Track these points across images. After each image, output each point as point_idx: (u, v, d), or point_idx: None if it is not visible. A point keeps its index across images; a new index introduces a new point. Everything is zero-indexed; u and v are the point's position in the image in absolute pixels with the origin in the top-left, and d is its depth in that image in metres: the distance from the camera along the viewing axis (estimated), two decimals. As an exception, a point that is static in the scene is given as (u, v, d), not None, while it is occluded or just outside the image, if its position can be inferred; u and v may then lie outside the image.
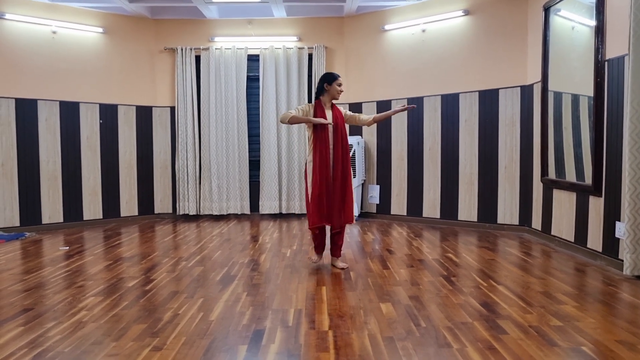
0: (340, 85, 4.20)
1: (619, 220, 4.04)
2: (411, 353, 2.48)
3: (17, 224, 6.24)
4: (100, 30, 6.78)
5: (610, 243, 4.19)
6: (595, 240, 4.43)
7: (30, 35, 6.30)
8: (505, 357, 2.42)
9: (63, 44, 6.55)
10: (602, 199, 4.30)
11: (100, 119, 6.85)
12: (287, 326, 2.88)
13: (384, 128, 6.94)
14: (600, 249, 4.34)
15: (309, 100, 7.24)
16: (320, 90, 4.23)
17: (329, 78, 4.20)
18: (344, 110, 4.35)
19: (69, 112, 6.59)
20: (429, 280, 3.84)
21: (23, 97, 6.25)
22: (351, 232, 6.01)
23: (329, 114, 4.18)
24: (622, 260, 3.91)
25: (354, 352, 2.50)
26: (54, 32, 6.45)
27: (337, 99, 4.25)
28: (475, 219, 6.24)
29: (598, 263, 4.32)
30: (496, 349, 2.51)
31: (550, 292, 3.50)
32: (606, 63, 4.23)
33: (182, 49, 7.20)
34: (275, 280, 3.90)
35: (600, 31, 4.25)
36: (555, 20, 5.11)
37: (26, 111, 6.27)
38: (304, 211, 7.31)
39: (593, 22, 4.35)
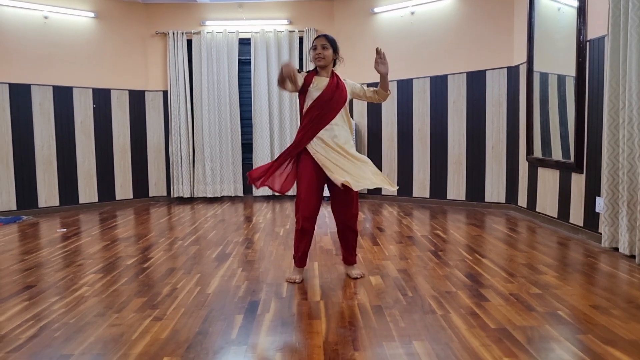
0: (315, 48, 3.36)
1: (599, 196, 4.21)
2: (398, 319, 2.63)
3: (14, 207, 6.34)
4: (92, 14, 6.81)
5: (591, 218, 4.36)
6: (577, 215, 4.59)
7: (21, 21, 6.33)
8: (486, 321, 2.57)
9: (55, 29, 6.58)
10: (583, 176, 4.46)
11: (93, 103, 6.91)
12: (281, 297, 3.02)
13: (374, 110, 7.05)
14: (581, 224, 4.51)
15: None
16: None
17: None
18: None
19: (63, 97, 6.65)
20: (417, 255, 4.00)
21: (16, 82, 6.30)
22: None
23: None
24: (601, 234, 4.08)
25: (344, 319, 2.65)
26: (46, 17, 6.48)
27: (317, 65, 3.41)
28: (464, 198, 6.39)
29: (579, 237, 4.49)
30: (477, 314, 2.67)
31: (532, 264, 3.66)
32: (587, 43, 4.35)
33: (173, 33, 7.24)
34: (269, 257, 4.04)
35: (582, 12, 4.37)
36: (541, 2, 5.21)
37: (20, 96, 6.33)
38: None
39: (576, 3, 4.46)
